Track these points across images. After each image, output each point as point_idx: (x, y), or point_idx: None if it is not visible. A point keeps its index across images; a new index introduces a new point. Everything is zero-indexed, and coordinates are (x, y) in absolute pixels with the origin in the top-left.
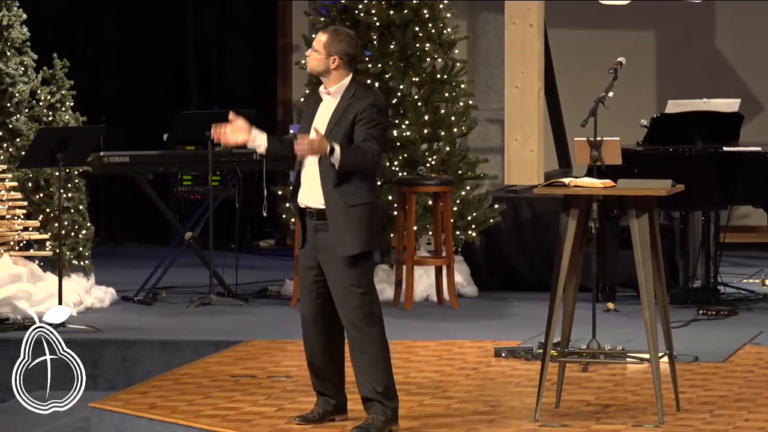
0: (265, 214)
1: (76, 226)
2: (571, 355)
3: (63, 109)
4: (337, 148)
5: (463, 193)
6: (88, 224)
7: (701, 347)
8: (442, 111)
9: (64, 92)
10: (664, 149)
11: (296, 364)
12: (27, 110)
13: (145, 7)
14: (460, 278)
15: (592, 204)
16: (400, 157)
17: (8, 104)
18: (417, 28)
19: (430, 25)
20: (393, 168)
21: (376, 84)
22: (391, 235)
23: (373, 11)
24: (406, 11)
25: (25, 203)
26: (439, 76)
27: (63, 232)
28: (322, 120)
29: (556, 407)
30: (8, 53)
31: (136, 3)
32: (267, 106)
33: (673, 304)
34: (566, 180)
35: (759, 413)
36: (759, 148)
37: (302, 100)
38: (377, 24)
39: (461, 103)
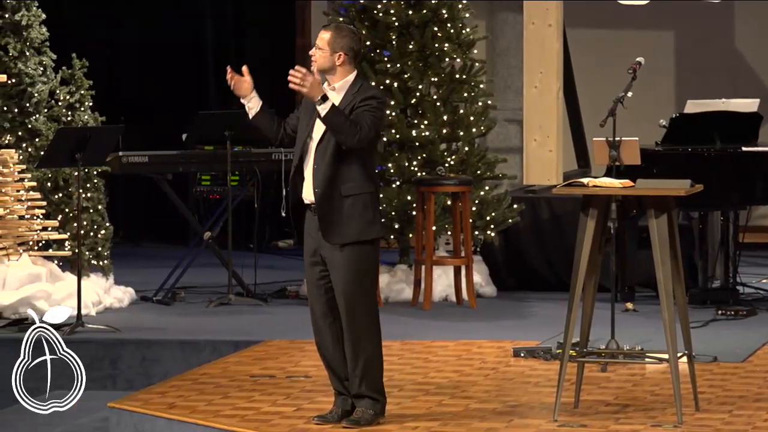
0: (283, 214)
1: (95, 226)
2: (590, 355)
3: (82, 109)
4: (331, 100)
5: (482, 193)
6: (107, 224)
7: (720, 347)
8: (461, 111)
9: (83, 92)
10: (683, 149)
11: (315, 364)
12: (46, 110)
13: (164, 7)
14: (478, 278)
15: (611, 204)
16: (419, 158)
17: (27, 104)
18: (436, 28)
19: (449, 25)
20: (412, 168)
21: (395, 84)
22: (410, 235)
23: (392, 11)
24: (425, 11)
25: (44, 203)
26: (458, 76)
27: (82, 232)
28: None
29: (575, 407)
30: (27, 53)
31: (155, 3)
32: (286, 106)
33: (691, 304)
34: (585, 180)
35: None
36: None
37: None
38: (396, 24)
39: (480, 103)
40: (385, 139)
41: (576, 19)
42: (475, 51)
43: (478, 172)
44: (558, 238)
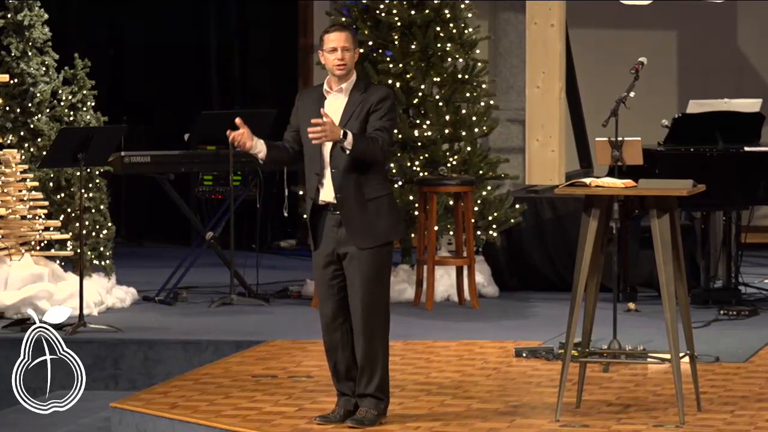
0: (286, 214)
1: (98, 226)
2: (592, 355)
3: (84, 109)
4: (350, 133)
5: (484, 193)
6: (110, 224)
7: (722, 347)
8: (464, 111)
9: (85, 92)
10: (685, 149)
11: (317, 364)
12: (48, 110)
13: (167, 7)
14: (481, 278)
15: (614, 204)
16: (421, 157)
17: (29, 104)
18: (438, 28)
19: (451, 25)
20: (414, 168)
21: (397, 84)
22: (412, 235)
23: (395, 11)
24: (427, 11)
25: (47, 203)
26: (460, 76)
27: (84, 232)
28: (331, 116)
29: (576, 407)
30: (30, 53)
31: (158, 3)
32: (288, 106)
33: (694, 304)
34: (587, 180)
35: None
36: None
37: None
38: (398, 24)
39: (482, 103)
40: None
41: (578, 19)
42: (478, 51)
43: (481, 172)
44: (560, 238)
